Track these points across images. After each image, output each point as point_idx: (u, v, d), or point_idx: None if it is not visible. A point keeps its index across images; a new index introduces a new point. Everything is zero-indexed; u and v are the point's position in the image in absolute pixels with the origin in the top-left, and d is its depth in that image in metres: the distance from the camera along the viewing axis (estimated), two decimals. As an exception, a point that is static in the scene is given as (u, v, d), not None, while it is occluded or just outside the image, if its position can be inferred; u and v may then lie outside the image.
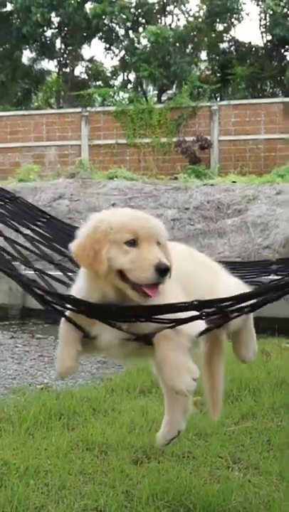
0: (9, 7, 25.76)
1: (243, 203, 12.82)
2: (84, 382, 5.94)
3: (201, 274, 2.80)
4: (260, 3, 24.49)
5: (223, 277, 2.96)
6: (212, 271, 2.94)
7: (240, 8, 25.15)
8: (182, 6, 25.99)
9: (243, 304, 2.51)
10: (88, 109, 21.18)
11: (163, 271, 2.29)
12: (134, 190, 14.04)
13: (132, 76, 27.19)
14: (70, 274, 3.26)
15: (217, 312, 2.47)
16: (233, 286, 2.87)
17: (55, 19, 26.15)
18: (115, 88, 26.12)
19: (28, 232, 3.70)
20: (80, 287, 2.53)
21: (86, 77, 29.51)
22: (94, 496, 3.33)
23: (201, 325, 2.47)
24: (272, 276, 3.57)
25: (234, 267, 3.78)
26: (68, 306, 2.53)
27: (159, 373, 2.75)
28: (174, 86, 25.31)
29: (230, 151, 19.26)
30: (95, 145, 20.31)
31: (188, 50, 25.86)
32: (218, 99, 24.85)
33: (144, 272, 2.30)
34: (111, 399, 5.07)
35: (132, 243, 2.35)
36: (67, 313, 2.54)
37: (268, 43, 25.37)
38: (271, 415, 4.66)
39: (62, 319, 2.55)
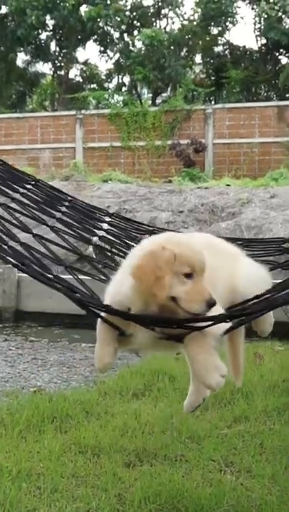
0: (4, 9, 25.74)
1: (237, 206, 12.84)
2: (77, 385, 5.94)
3: (221, 266, 2.96)
4: (254, 6, 24.53)
5: (244, 266, 3.12)
6: (232, 258, 3.11)
7: (234, 11, 25.23)
8: (177, 10, 26.06)
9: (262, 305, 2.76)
10: (83, 111, 21.20)
11: (212, 305, 2.51)
12: (129, 193, 14.04)
13: (126, 79, 27.24)
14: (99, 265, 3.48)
15: (241, 316, 2.74)
16: (253, 276, 3.04)
17: (50, 22, 26.16)
18: (110, 91, 26.14)
19: (53, 221, 3.85)
20: (121, 293, 2.69)
21: (81, 80, 29.52)
22: (86, 499, 3.33)
23: (225, 325, 2.68)
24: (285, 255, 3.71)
25: (248, 244, 3.93)
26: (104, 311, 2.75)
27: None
28: (169, 89, 25.32)
29: (224, 155, 19.29)
30: (89, 148, 20.32)
31: (182, 54, 25.89)
32: (213, 102, 24.91)
33: (196, 304, 2.51)
34: (104, 402, 5.07)
35: (189, 275, 2.54)
36: (103, 314, 2.73)
37: (263, 47, 25.41)
38: (264, 418, 4.65)
39: (99, 319, 2.75)
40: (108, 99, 23.46)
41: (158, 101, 25.19)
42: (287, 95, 23.70)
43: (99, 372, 2.97)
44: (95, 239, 3.94)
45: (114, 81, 28.30)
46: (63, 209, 4.05)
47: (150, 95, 27.01)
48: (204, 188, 14.23)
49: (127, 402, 5.08)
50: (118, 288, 2.73)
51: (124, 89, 26.63)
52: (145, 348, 2.98)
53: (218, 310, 2.64)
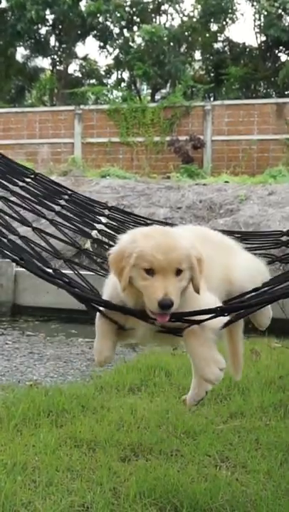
0: (4, 4, 25.67)
1: (235, 203, 12.82)
2: (73, 379, 5.94)
3: (217, 258, 2.97)
4: (254, 3, 24.49)
5: (240, 258, 3.12)
6: (228, 251, 3.12)
7: (234, 8, 25.20)
8: (177, 6, 25.99)
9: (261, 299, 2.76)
10: (81, 107, 21.15)
11: (165, 306, 2.48)
12: (127, 189, 14.02)
13: (125, 74, 27.21)
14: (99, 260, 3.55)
15: (239, 310, 2.76)
16: (249, 269, 3.07)
17: (50, 16, 26.10)
18: (109, 86, 26.11)
19: (53, 214, 3.90)
20: (116, 287, 2.70)
21: (80, 75, 29.47)
22: (81, 493, 3.33)
23: (224, 319, 2.68)
24: (283, 248, 3.72)
25: (246, 238, 3.94)
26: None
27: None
28: (168, 85, 25.30)
29: (223, 151, 19.27)
30: (87, 143, 20.28)
31: (182, 50, 25.87)
32: (212, 99, 24.90)
33: (150, 303, 2.50)
34: (100, 396, 5.07)
35: (150, 271, 2.53)
36: (102, 308, 2.76)
37: (262, 44, 25.39)
38: (260, 414, 4.66)
39: (98, 314, 2.77)
40: (107, 95, 23.45)
41: (157, 97, 25.18)
42: (286, 92, 23.69)
43: (98, 366, 2.96)
44: (93, 233, 3.95)
45: (114, 76, 28.32)
46: (62, 202, 4.06)
47: (149, 91, 27.00)
48: (202, 184, 14.20)
49: (123, 396, 5.09)
50: (114, 282, 2.74)
51: (123, 84, 26.59)
52: (144, 342, 2.98)
53: (215, 303, 2.65)
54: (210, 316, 2.60)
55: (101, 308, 2.76)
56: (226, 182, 14.51)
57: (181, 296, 2.56)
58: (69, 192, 4.24)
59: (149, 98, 25.21)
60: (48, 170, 17.43)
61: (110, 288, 2.78)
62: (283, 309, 7.83)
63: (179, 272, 2.56)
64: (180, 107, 19.79)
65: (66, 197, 4.15)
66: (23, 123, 20.93)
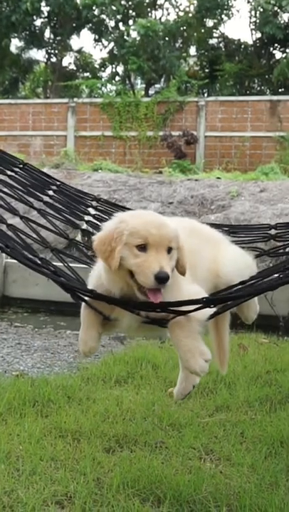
0: (-1, -5, 25.59)
1: (226, 199, 12.82)
2: (60, 370, 5.92)
3: (204, 251, 2.99)
4: (250, 0, 24.48)
5: (227, 251, 3.13)
6: (216, 243, 3.13)
7: (230, 4, 25.21)
8: (173, 0, 26.00)
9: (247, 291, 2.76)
10: (75, 100, 21.12)
11: (162, 279, 2.46)
12: (119, 183, 14.00)
13: (120, 68, 27.11)
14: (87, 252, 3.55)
15: (224, 301, 2.75)
16: (236, 261, 3.07)
17: (45, 8, 25.98)
18: (103, 80, 26.05)
19: (40, 204, 3.89)
20: (100, 276, 2.72)
21: (74, 68, 29.38)
22: (64, 482, 3.32)
23: (210, 310, 2.68)
24: (272, 242, 3.73)
25: (235, 231, 3.95)
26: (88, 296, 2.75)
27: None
28: (162, 80, 25.27)
29: (215, 147, 19.28)
30: (80, 136, 20.26)
31: (177, 45, 25.81)
32: (206, 94, 24.90)
33: (145, 278, 2.48)
34: (86, 388, 5.06)
35: (143, 248, 2.52)
36: (88, 298, 2.75)
37: (257, 41, 25.38)
38: (245, 408, 4.66)
39: (83, 304, 2.77)
40: (101, 88, 23.40)
41: (151, 92, 25.14)
42: (280, 90, 23.69)
43: (83, 356, 2.90)
44: (83, 225, 3.93)
45: (108, 70, 28.24)
46: (51, 193, 4.05)
47: (143, 86, 26.98)
48: (194, 180, 14.19)
49: (109, 388, 5.08)
50: (100, 271, 2.74)
51: (117, 78, 26.53)
52: (130, 333, 3.00)
53: (200, 294, 2.64)
54: (196, 307, 2.59)
55: (86, 298, 2.75)
56: (218, 178, 14.51)
57: None
58: (57, 183, 4.23)
59: (143, 93, 25.22)
60: (40, 162, 17.40)
61: (95, 278, 2.78)
62: (272, 305, 7.85)
63: (169, 250, 2.57)
64: (174, 102, 19.78)
65: (54, 187, 4.14)
66: (16, 115, 20.89)
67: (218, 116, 19.40)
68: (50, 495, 3.20)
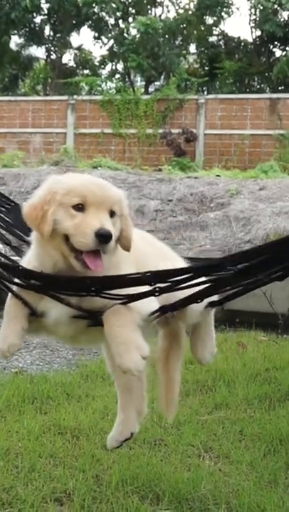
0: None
1: (226, 197, 12.81)
2: (59, 367, 5.92)
3: (153, 253, 2.71)
4: (250, -2, 24.47)
5: (176, 264, 2.78)
6: (166, 255, 2.82)
7: (230, 2, 25.15)
8: (173, -2, 25.95)
9: (197, 280, 2.32)
10: (75, 97, 21.07)
11: (103, 237, 2.19)
12: (118, 180, 13.98)
13: (120, 66, 27.12)
14: None
15: (170, 287, 2.32)
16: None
17: (45, 5, 25.93)
18: (103, 77, 26.02)
19: None
20: (30, 256, 2.45)
21: (74, 65, 29.35)
22: (63, 480, 3.32)
23: (153, 304, 2.39)
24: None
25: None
26: (16, 280, 2.42)
27: (109, 359, 2.71)
28: (162, 78, 25.24)
29: (215, 145, 19.25)
30: (80, 133, 20.23)
31: (177, 42, 25.79)
32: (206, 92, 24.87)
33: (84, 237, 2.20)
34: (85, 385, 5.06)
35: (80, 208, 2.26)
36: (15, 288, 2.42)
37: (257, 39, 25.36)
38: (244, 406, 4.66)
39: (9, 294, 2.44)
40: (101, 86, 23.37)
41: (151, 89, 25.09)
42: (280, 88, 23.68)
43: (2, 356, 2.40)
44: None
45: (108, 67, 28.21)
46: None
47: (143, 83, 26.97)
48: (194, 177, 14.18)
49: (108, 385, 5.07)
50: (28, 253, 2.49)
51: (117, 76, 26.52)
52: (60, 332, 2.48)
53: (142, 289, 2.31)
54: (139, 292, 2.27)
55: (14, 288, 2.43)
56: (218, 176, 14.50)
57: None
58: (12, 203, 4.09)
59: (142, 90, 25.16)
60: (39, 159, 17.41)
61: (25, 262, 2.45)
62: (271, 303, 7.84)
63: (112, 214, 2.31)
64: (173, 99, 19.75)
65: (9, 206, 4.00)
66: (16, 112, 20.85)
67: (217, 114, 19.37)
68: (49, 492, 3.20)
